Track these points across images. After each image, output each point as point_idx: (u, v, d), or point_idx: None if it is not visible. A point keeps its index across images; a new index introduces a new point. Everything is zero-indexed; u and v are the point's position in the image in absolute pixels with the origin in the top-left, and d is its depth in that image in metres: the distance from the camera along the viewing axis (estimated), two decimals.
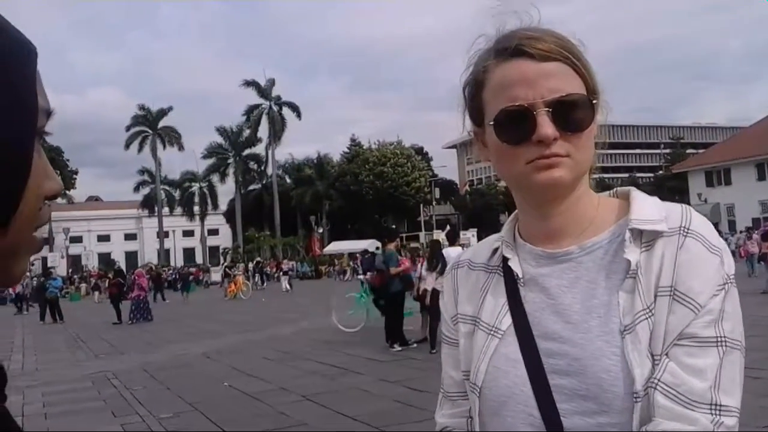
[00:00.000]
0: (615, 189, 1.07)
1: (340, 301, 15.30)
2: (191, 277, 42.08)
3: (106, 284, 29.76)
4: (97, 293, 37.83)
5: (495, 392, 1.00)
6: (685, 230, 0.93)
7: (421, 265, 11.89)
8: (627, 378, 0.89)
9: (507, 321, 1.02)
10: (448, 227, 26.67)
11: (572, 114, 0.93)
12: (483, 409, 1.02)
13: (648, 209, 0.97)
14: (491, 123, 0.97)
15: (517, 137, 0.95)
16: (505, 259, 1.06)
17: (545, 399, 0.95)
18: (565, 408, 0.94)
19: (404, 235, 52.49)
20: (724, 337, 0.89)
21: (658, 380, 0.88)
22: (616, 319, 0.93)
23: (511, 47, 0.95)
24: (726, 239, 18.44)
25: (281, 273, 38.94)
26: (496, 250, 1.09)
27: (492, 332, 1.03)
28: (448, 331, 1.15)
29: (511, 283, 1.04)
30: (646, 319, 0.91)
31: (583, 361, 0.93)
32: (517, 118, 0.94)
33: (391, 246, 12.25)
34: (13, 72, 0.57)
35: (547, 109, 0.93)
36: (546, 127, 0.92)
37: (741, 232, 30.23)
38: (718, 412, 0.87)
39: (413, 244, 42.43)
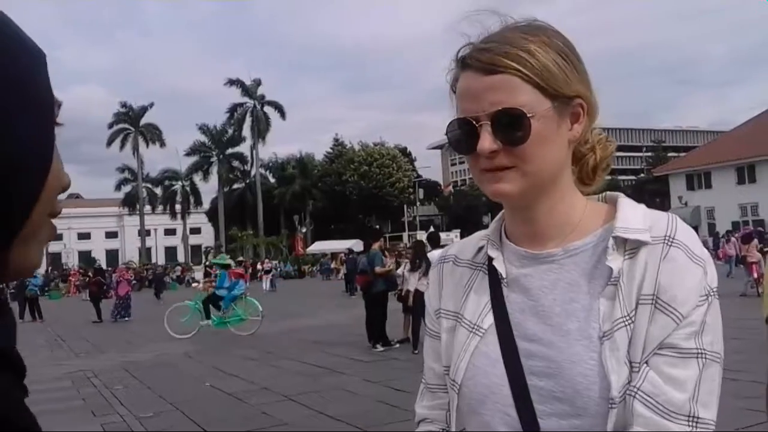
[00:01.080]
0: (604, 193, 1.08)
1: (175, 309, 15.95)
2: (167, 277, 40.61)
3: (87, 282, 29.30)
4: (88, 290, 37.48)
5: (474, 390, 1.01)
6: (670, 240, 0.94)
7: (404, 266, 11.91)
8: (603, 383, 0.90)
9: (489, 320, 1.03)
10: (431, 228, 26.77)
11: (510, 128, 0.93)
12: (462, 406, 1.03)
13: (633, 217, 0.98)
14: (445, 134, 1.00)
15: (465, 149, 0.97)
16: (489, 258, 1.07)
17: (523, 400, 0.96)
18: (541, 409, 0.95)
19: (387, 235, 52.56)
20: (704, 349, 0.90)
21: (638, 389, 0.89)
22: (596, 325, 0.93)
23: (464, 60, 0.98)
24: (704, 241, 18.76)
25: (263, 272, 38.57)
26: (481, 248, 1.10)
27: (473, 330, 1.04)
28: (431, 323, 1.16)
29: (495, 282, 1.05)
30: (625, 326, 0.92)
31: (561, 364, 0.94)
32: (464, 131, 0.97)
33: (376, 246, 12.27)
34: (37, 77, 0.64)
35: (487, 122, 0.94)
36: (484, 141, 0.94)
37: (721, 236, 30.66)
38: (695, 424, 0.88)
39: (400, 245, 42.45)
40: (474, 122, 0.95)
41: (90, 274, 26.93)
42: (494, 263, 1.05)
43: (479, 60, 0.94)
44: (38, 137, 0.62)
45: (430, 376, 1.16)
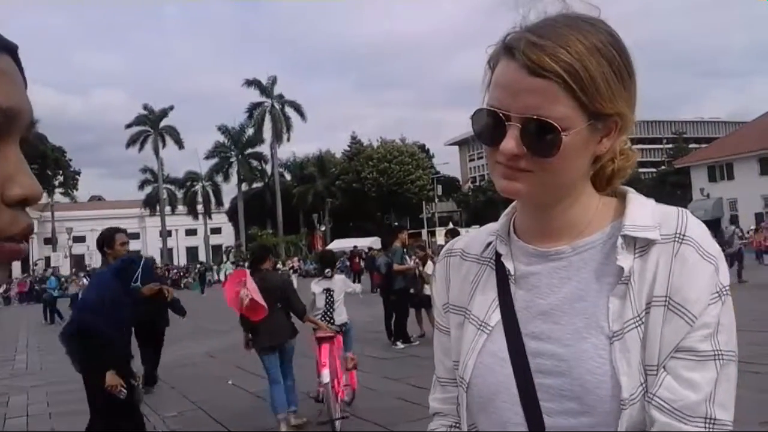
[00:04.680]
0: (614, 187, 1.06)
1: None
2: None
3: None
4: None
5: (481, 388, 1.01)
6: (681, 237, 0.93)
7: (424, 264, 11.86)
8: (612, 382, 0.90)
9: (496, 317, 1.03)
10: (450, 224, 26.68)
11: (540, 138, 0.90)
12: (471, 404, 1.04)
13: (642, 215, 0.96)
14: (470, 117, 0.97)
15: (488, 139, 0.95)
16: (498, 254, 1.06)
17: (529, 398, 0.96)
18: (549, 407, 0.95)
19: (407, 232, 52.40)
20: (720, 350, 0.90)
21: (654, 395, 0.89)
22: (605, 323, 0.93)
23: (511, 49, 0.92)
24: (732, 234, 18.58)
25: (291, 271, 38.60)
26: (490, 243, 1.10)
27: (481, 327, 1.04)
28: (439, 318, 1.16)
29: (502, 279, 1.04)
30: (636, 327, 0.91)
31: (570, 362, 0.94)
32: (491, 122, 0.93)
33: (397, 243, 12.17)
34: None
35: (517, 124, 0.91)
36: (510, 142, 0.91)
37: (752, 228, 30.18)
38: (712, 426, 0.88)
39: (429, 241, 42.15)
40: (503, 117, 0.92)
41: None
42: (502, 260, 1.05)
43: (528, 57, 0.89)
44: None
45: (440, 370, 1.16)
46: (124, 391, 5.09)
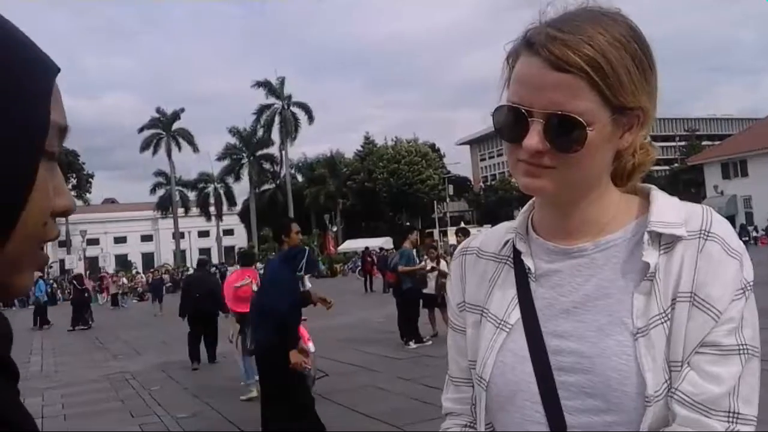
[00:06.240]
0: (634, 185, 1.04)
1: None
2: None
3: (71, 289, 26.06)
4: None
5: (501, 387, 1.00)
6: (706, 233, 0.92)
7: (438, 263, 11.84)
8: (637, 379, 0.89)
9: (515, 315, 1.01)
10: (462, 224, 26.65)
11: (564, 134, 0.89)
12: (490, 404, 1.02)
13: (668, 211, 0.95)
14: (491, 114, 0.96)
15: (509, 136, 0.94)
16: (516, 252, 1.05)
17: (550, 396, 0.95)
18: (571, 405, 0.93)
19: (417, 233, 52.31)
20: (746, 344, 0.89)
21: (677, 389, 0.88)
22: (628, 320, 0.91)
23: (533, 44, 0.90)
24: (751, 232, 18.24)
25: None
26: (508, 241, 1.08)
27: (500, 326, 1.02)
28: (453, 317, 1.15)
29: (522, 277, 1.03)
30: (662, 324, 0.90)
31: (593, 359, 0.92)
32: (513, 118, 0.92)
33: (406, 244, 12.17)
34: (21, 87, 0.56)
35: (540, 120, 0.89)
36: (533, 138, 0.90)
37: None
38: (735, 420, 0.86)
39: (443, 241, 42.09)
40: (526, 114, 0.90)
41: (74, 281, 24.37)
42: (522, 257, 1.03)
43: (550, 52, 0.87)
44: (22, 154, 0.55)
45: (454, 369, 1.15)
46: (308, 366, 5.38)
